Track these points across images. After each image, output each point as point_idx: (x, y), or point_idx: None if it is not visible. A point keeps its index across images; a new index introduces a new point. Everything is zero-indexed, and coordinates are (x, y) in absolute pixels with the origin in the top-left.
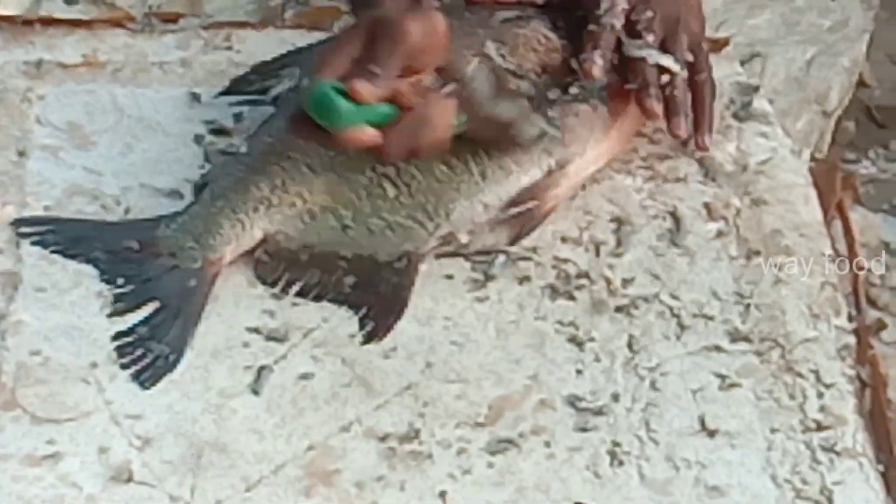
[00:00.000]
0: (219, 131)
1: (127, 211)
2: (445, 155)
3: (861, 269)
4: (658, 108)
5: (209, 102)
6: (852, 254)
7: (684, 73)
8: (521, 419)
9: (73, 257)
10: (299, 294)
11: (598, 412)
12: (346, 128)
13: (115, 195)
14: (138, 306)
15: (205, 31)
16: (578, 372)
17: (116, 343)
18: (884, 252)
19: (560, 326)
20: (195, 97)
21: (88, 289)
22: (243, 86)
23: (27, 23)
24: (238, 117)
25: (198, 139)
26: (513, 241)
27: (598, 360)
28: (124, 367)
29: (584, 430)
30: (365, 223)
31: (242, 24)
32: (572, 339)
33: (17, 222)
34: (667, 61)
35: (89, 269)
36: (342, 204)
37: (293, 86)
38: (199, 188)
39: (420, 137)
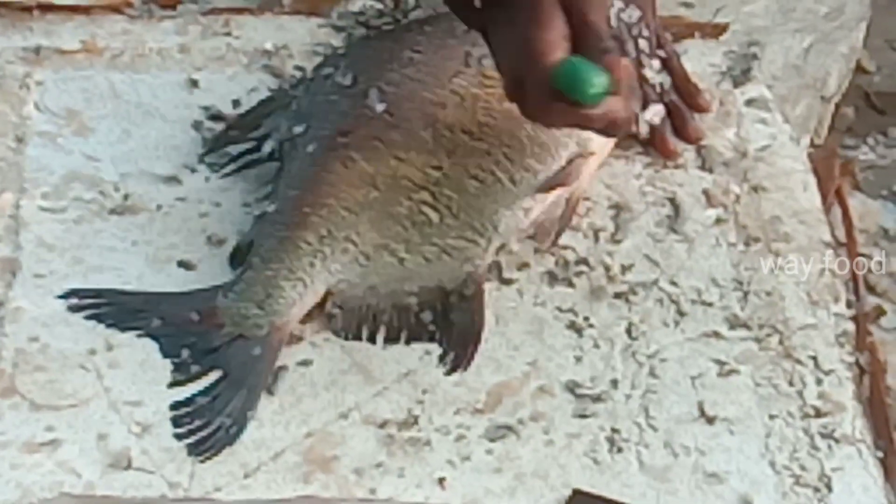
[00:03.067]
0: (217, 117)
1: (126, 197)
2: (471, 169)
3: (860, 255)
4: (678, 147)
5: (207, 88)
6: (851, 240)
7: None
8: (520, 406)
9: (130, 330)
10: (388, 341)
11: (597, 399)
12: (601, 101)
13: (113, 181)
14: (199, 376)
15: (203, 16)
16: (577, 358)
17: (174, 413)
18: (883, 238)
19: (559, 313)
20: (193, 83)
21: (87, 276)
22: (225, 142)
23: (25, 8)
24: (236, 103)
25: (196, 125)
26: (553, 241)
27: (597, 346)
28: (179, 437)
29: (582, 416)
30: (420, 252)
31: (241, 10)
32: (571, 326)
33: (69, 294)
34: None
35: (88, 257)
36: (392, 238)
37: (290, 136)
38: (238, 254)
39: (634, 106)
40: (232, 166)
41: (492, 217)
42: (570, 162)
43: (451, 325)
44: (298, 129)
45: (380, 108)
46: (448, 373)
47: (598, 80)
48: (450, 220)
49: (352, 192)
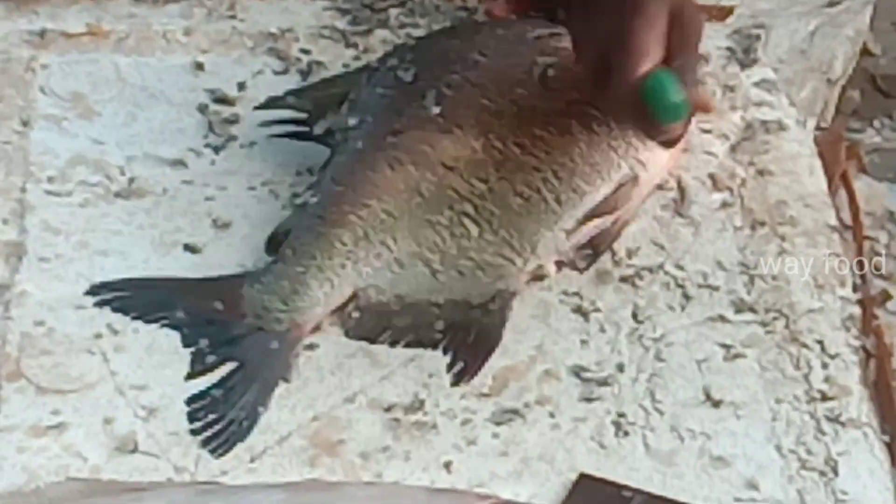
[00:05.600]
0: (222, 100)
1: (131, 181)
2: (517, 185)
3: (866, 238)
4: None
5: (213, 71)
6: (857, 223)
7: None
8: (526, 390)
9: (155, 322)
10: (391, 344)
11: (603, 382)
12: (673, 122)
13: (119, 165)
14: (216, 367)
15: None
16: (583, 342)
17: (190, 407)
18: (889, 221)
19: (565, 297)
20: (199, 66)
21: (92, 259)
22: (279, 104)
23: None
24: (242, 86)
25: (202, 108)
26: (589, 264)
27: (603, 330)
28: (195, 432)
29: (588, 400)
30: (454, 266)
31: None
32: (577, 310)
33: (95, 289)
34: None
35: (94, 241)
36: (428, 248)
37: (343, 126)
38: (273, 242)
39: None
40: (279, 129)
41: (532, 237)
42: (620, 186)
43: (466, 335)
44: (353, 121)
45: (435, 110)
46: (453, 384)
47: (678, 106)
48: (489, 236)
49: (394, 195)
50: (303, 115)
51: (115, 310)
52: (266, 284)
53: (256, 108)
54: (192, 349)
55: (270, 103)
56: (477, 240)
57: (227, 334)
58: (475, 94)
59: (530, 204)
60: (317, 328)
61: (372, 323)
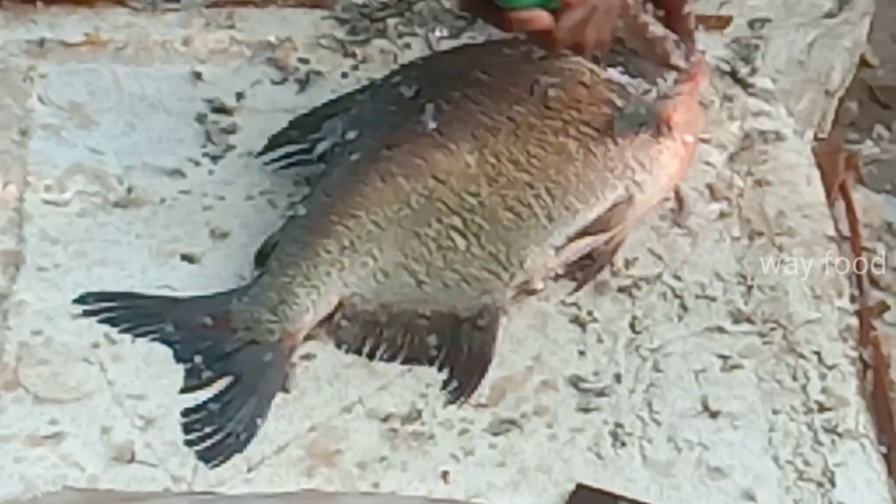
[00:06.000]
0: (220, 110)
1: (129, 190)
2: (508, 201)
3: (864, 249)
4: None
5: (211, 81)
6: (855, 235)
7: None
8: (524, 400)
9: (144, 335)
10: (389, 359)
11: (601, 393)
12: (522, 9)
13: (117, 174)
14: (211, 381)
15: (207, 9)
16: (581, 353)
17: (185, 419)
18: (886, 233)
19: (562, 307)
20: (197, 76)
21: (90, 269)
22: (284, 141)
23: (29, 1)
24: (240, 96)
25: (200, 118)
26: (581, 283)
27: (600, 340)
28: (190, 443)
29: (586, 410)
30: (440, 277)
31: (244, 3)
32: (575, 320)
33: (83, 298)
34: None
35: (92, 250)
36: (414, 259)
37: (339, 141)
38: (261, 255)
39: (590, 30)
40: (279, 164)
41: (520, 252)
42: (614, 206)
43: (459, 353)
44: (351, 135)
45: (432, 125)
46: (449, 402)
47: None
48: (476, 250)
49: (383, 206)
50: (305, 145)
51: (103, 321)
52: (254, 297)
53: (260, 153)
54: (187, 365)
55: (274, 143)
56: (463, 253)
57: (220, 350)
58: (474, 110)
59: (521, 219)
60: (310, 337)
61: (360, 332)
